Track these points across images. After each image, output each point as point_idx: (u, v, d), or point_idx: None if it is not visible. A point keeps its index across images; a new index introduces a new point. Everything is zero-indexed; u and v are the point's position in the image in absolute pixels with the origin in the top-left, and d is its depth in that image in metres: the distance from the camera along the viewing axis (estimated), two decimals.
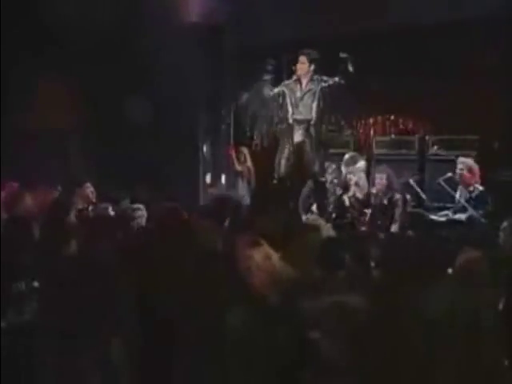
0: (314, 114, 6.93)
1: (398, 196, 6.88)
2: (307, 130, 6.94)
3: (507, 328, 3.25)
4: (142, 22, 8.24)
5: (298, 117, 7.02)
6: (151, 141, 9.11)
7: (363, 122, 9.43)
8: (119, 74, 8.69)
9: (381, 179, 6.95)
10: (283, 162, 7.08)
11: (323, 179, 7.19)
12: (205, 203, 8.35)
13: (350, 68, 6.80)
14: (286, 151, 7.07)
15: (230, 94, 9.26)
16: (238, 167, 9.14)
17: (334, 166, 7.91)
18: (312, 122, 6.93)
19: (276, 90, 7.19)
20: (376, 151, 8.77)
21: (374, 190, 7.06)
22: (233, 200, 5.85)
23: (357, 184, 7.14)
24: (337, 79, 6.89)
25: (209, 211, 5.27)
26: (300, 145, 6.97)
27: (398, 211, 6.80)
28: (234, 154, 9.25)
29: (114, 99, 8.87)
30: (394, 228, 6.73)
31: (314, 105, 6.93)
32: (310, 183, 7.36)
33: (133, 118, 9.08)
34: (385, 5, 8.21)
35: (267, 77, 7.22)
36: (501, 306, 3.36)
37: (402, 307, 2.90)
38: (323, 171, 7.17)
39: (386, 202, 6.90)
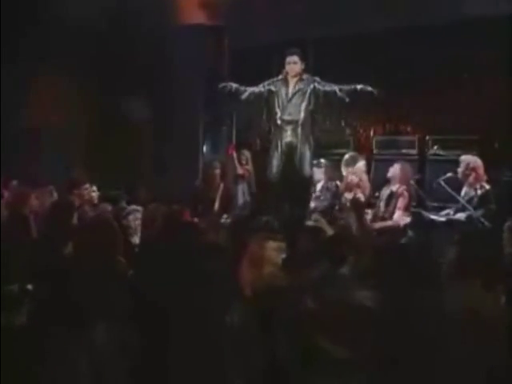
0: (302, 115, 6.84)
1: (404, 187, 6.98)
2: (295, 131, 6.86)
3: (507, 328, 3.25)
4: (142, 22, 8.24)
5: (287, 117, 6.92)
6: (151, 141, 9.14)
7: (363, 121, 9.45)
8: (119, 74, 8.70)
9: (395, 168, 7.10)
10: (273, 163, 7.04)
11: (312, 180, 7.15)
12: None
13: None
14: (276, 152, 7.02)
15: (229, 94, 9.26)
16: (240, 170, 9.07)
17: (327, 166, 7.95)
18: (300, 123, 6.84)
19: (259, 89, 7.04)
20: (376, 151, 8.78)
21: (389, 175, 7.15)
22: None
23: (359, 185, 7.14)
24: (337, 89, 6.79)
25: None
26: (289, 146, 6.90)
27: (402, 200, 6.89)
28: (235, 156, 9.19)
29: (114, 99, 8.89)
30: (397, 215, 6.82)
31: (304, 105, 6.84)
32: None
33: (133, 117, 9.10)
34: (383, 5, 8.22)
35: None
36: (501, 306, 3.37)
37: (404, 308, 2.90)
38: (312, 172, 7.12)
39: (394, 189, 7.02)
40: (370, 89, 6.62)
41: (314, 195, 7.61)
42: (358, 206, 6.35)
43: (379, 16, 8.29)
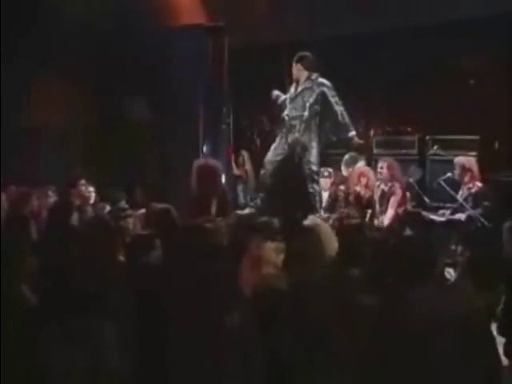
0: (307, 111, 6.92)
1: (396, 185, 7.00)
2: (300, 127, 6.92)
3: (507, 328, 3.25)
4: (141, 22, 8.24)
5: (292, 113, 7.02)
6: (151, 141, 9.13)
7: (363, 121, 9.44)
8: (119, 74, 8.69)
9: (381, 168, 7.12)
10: (277, 160, 7.09)
11: (316, 178, 7.16)
12: None
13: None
14: (279, 148, 7.10)
15: (230, 94, 9.26)
16: (237, 172, 9.17)
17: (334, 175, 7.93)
18: (304, 119, 6.91)
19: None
20: (376, 151, 8.78)
21: (378, 176, 7.17)
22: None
23: (366, 185, 7.11)
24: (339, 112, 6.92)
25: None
26: (293, 141, 6.96)
27: (394, 198, 6.90)
28: (233, 157, 9.27)
29: (113, 99, 8.89)
30: (388, 215, 6.83)
31: (309, 103, 6.92)
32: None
33: (132, 117, 9.09)
34: (384, 5, 8.21)
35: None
36: (501, 306, 3.37)
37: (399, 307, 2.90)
38: (316, 169, 7.12)
39: (386, 189, 7.03)
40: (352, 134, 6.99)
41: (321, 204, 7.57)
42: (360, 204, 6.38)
43: (379, 16, 8.29)
